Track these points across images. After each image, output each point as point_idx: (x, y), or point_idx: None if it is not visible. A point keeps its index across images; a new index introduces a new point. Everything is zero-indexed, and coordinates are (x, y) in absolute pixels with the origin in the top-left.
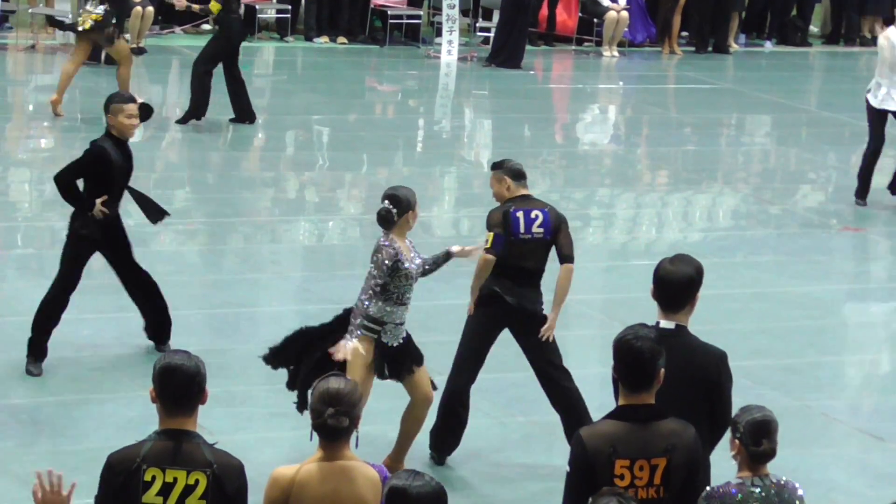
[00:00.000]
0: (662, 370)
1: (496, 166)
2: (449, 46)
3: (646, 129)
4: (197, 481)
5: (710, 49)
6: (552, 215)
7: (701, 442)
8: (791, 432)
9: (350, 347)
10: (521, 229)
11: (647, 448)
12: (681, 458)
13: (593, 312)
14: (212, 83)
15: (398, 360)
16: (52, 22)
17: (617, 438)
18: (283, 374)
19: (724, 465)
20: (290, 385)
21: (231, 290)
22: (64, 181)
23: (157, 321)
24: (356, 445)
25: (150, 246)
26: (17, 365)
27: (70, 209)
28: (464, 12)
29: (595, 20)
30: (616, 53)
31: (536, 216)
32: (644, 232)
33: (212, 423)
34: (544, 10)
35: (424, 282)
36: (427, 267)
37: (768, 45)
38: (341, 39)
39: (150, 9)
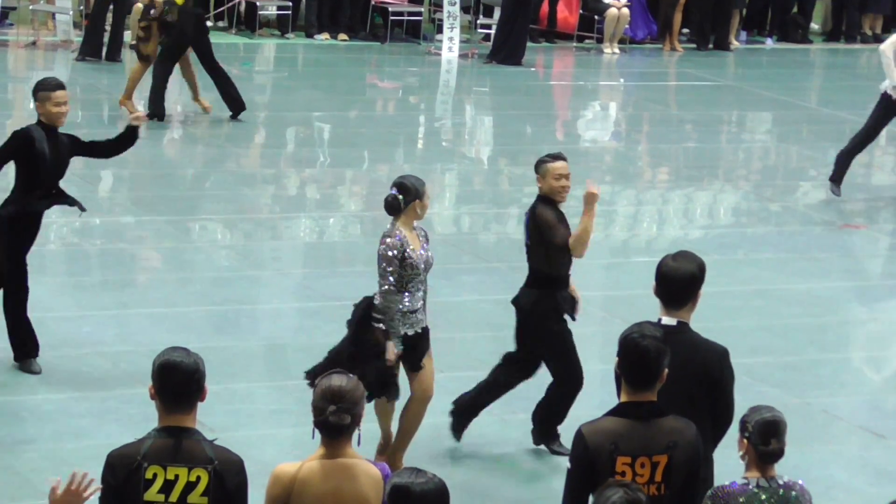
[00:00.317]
0: (666, 370)
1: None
2: (450, 43)
3: (646, 125)
4: (198, 478)
5: (710, 46)
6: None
7: (702, 439)
8: (791, 430)
9: (390, 345)
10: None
11: (649, 445)
12: (682, 455)
13: (594, 309)
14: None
15: (414, 347)
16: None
17: (618, 435)
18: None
19: (726, 462)
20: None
21: (232, 287)
22: None
23: (24, 335)
24: (358, 443)
25: (151, 243)
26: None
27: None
28: (465, 9)
29: (596, 17)
30: (617, 50)
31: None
32: (645, 229)
33: (213, 420)
34: (545, 7)
35: None
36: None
37: (769, 43)
38: (342, 36)
39: None
